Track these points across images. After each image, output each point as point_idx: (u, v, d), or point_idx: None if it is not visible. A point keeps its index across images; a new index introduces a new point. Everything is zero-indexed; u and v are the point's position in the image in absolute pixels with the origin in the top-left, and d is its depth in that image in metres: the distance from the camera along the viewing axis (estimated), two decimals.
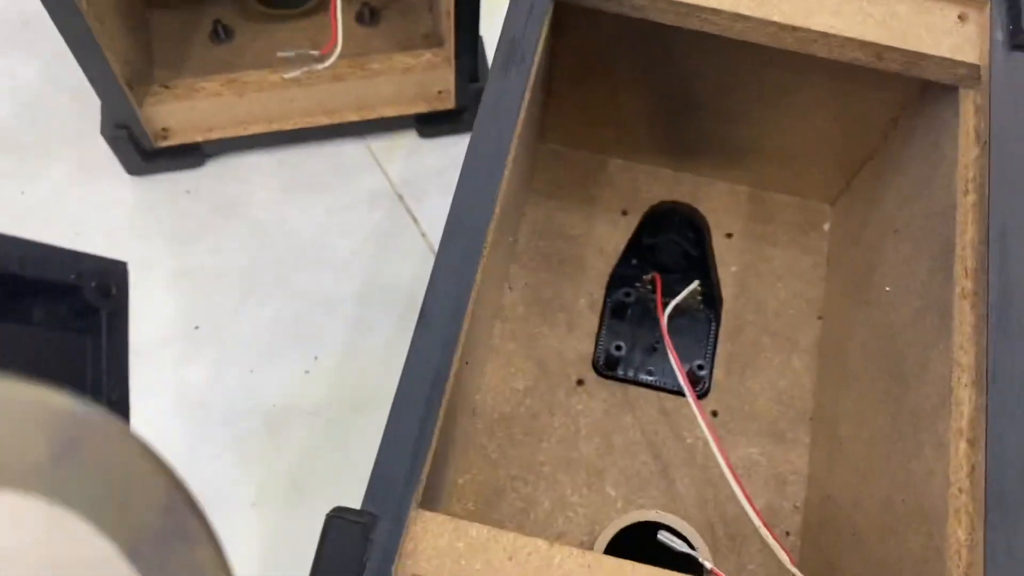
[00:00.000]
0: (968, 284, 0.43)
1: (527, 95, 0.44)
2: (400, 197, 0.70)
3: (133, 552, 0.18)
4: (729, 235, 0.65)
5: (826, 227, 0.65)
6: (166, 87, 0.65)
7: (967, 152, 0.46)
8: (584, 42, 0.56)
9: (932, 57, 0.47)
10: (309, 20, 0.71)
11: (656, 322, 0.58)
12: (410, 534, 0.34)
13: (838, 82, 0.54)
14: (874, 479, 0.48)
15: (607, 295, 0.62)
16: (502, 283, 0.61)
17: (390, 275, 0.67)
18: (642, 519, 0.52)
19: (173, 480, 0.19)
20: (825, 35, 0.47)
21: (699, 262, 0.64)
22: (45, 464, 0.18)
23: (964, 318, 0.42)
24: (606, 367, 0.59)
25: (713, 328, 0.61)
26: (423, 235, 0.69)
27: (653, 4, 0.48)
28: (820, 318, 0.62)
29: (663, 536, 0.46)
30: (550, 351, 0.60)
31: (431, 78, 0.67)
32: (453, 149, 0.72)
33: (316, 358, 0.63)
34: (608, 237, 0.64)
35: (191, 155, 0.69)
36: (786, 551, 0.46)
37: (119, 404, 0.32)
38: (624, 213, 0.65)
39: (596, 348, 0.60)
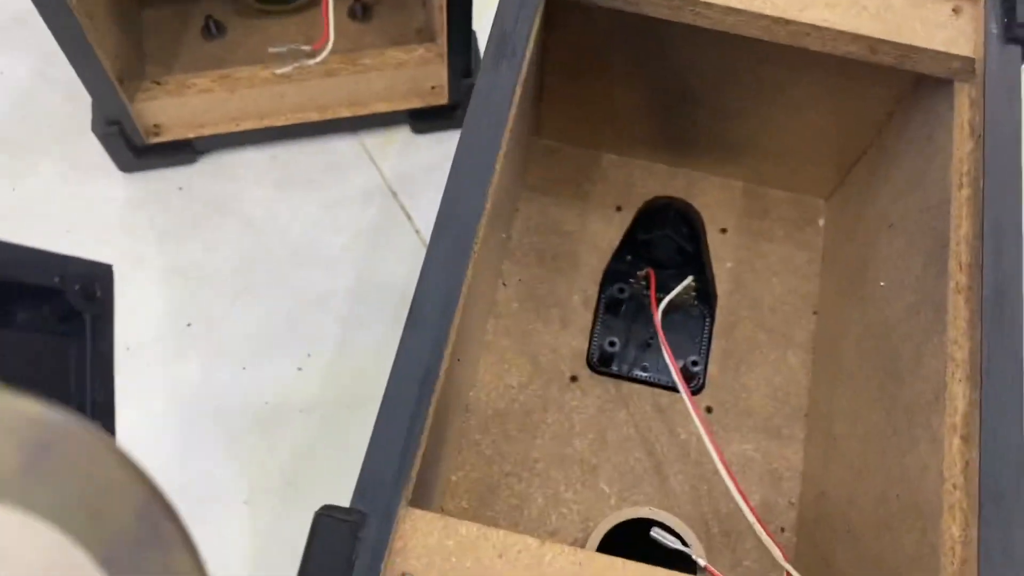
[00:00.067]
0: (962, 279, 0.42)
1: (518, 89, 0.44)
2: (394, 193, 0.70)
3: (106, 560, 0.18)
4: (724, 231, 0.64)
5: (821, 222, 0.65)
6: (157, 83, 0.64)
7: (961, 146, 0.45)
8: (578, 37, 0.56)
9: (926, 50, 0.46)
10: (302, 16, 0.71)
11: (650, 318, 0.57)
12: (399, 532, 0.34)
13: (833, 77, 0.54)
14: (869, 475, 0.47)
15: (601, 291, 0.62)
16: (495, 279, 0.61)
17: (384, 272, 0.67)
18: (635, 516, 0.51)
19: (149, 487, 0.19)
20: (818, 28, 0.47)
21: (694, 258, 0.63)
22: (15, 472, 0.17)
23: (958, 313, 0.42)
24: (600, 363, 0.59)
25: (708, 324, 0.61)
26: (417, 232, 0.69)
27: None
28: (815, 313, 0.62)
29: (656, 533, 0.46)
30: (544, 347, 0.60)
31: (424, 73, 0.67)
32: (447, 145, 0.71)
33: (309, 355, 0.63)
34: (602, 233, 0.64)
35: (183, 152, 0.68)
36: (780, 547, 0.46)
37: (104, 407, 0.31)
38: (618, 209, 0.65)
39: (590, 344, 0.60)
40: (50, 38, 0.55)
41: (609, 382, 0.59)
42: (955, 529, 0.37)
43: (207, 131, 0.67)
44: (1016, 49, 0.46)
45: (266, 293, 0.65)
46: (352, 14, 0.70)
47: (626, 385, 0.59)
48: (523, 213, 0.64)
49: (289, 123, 0.68)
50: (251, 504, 0.59)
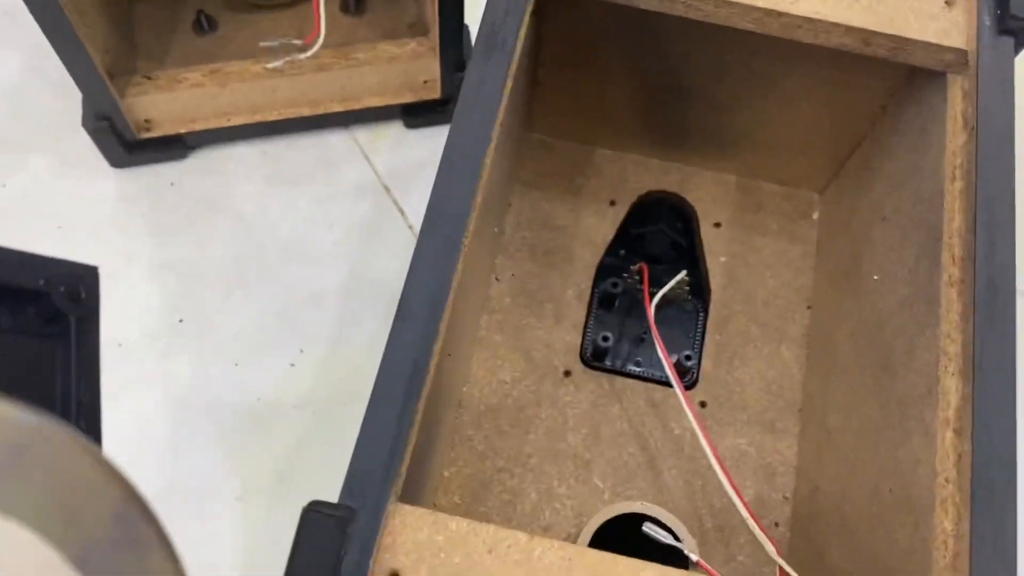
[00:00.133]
0: (955, 272, 0.42)
1: (509, 82, 0.44)
2: (386, 189, 0.69)
3: (82, 561, 0.18)
4: (717, 225, 0.64)
5: (815, 216, 0.65)
6: (148, 78, 0.64)
7: (955, 138, 0.45)
8: (570, 30, 0.55)
9: (919, 42, 0.46)
10: (294, 10, 0.70)
11: (644, 313, 0.57)
12: (388, 528, 0.34)
13: (826, 69, 0.53)
14: (862, 469, 0.47)
15: (595, 286, 0.62)
16: (488, 274, 0.61)
17: (376, 268, 0.66)
18: (628, 511, 0.51)
19: (126, 488, 0.19)
20: (810, 20, 0.47)
21: (687, 252, 0.63)
22: None
23: (951, 306, 0.42)
24: (593, 358, 0.59)
25: (701, 318, 0.61)
26: (410, 227, 0.68)
27: None
28: (809, 307, 0.61)
29: (648, 528, 0.46)
30: (537, 342, 0.60)
31: (417, 67, 0.66)
32: (440, 140, 0.70)
33: (302, 351, 0.63)
34: (596, 227, 0.64)
35: (174, 147, 0.68)
36: (773, 542, 0.46)
37: (89, 408, 0.31)
38: (612, 203, 0.65)
39: (583, 339, 0.60)
40: (41, 33, 0.55)
41: (603, 377, 0.59)
42: (947, 523, 0.37)
43: (198, 126, 0.67)
44: (1009, 41, 0.45)
45: (258, 289, 0.65)
46: (344, 8, 0.69)
47: (620, 380, 0.59)
48: (516, 208, 0.64)
49: (281, 118, 0.67)
50: (244, 501, 0.58)
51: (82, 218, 0.67)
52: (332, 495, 0.34)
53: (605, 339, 0.58)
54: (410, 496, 0.37)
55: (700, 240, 0.63)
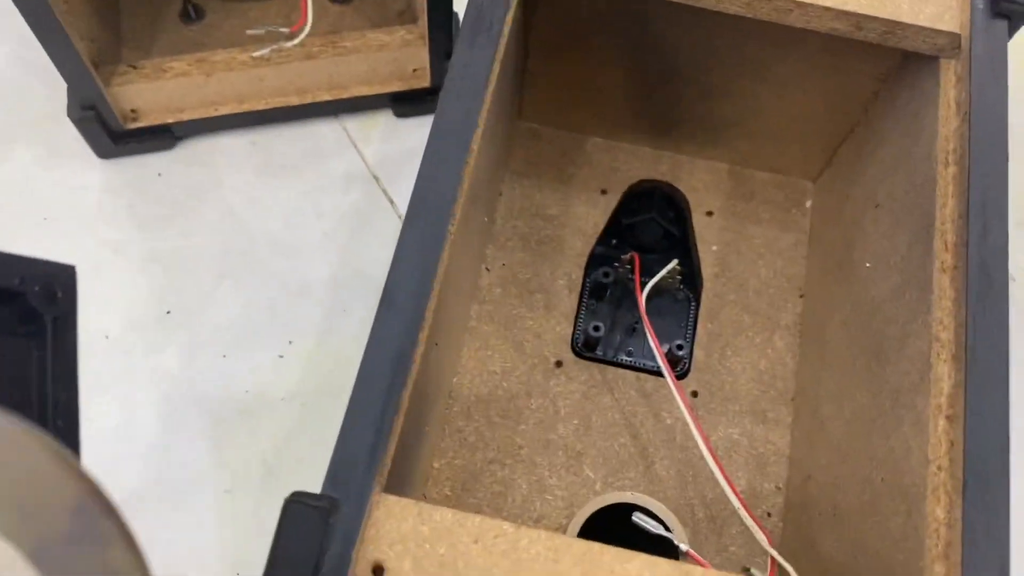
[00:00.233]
0: (948, 258, 0.42)
1: (496, 67, 0.43)
2: (376, 179, 0.69)
3: (38, 556, 0.17)
4: (709, 213, 0.64)
5: (808, 204, 0.64)
6: (133, 67, 0.63)
7: (947, 123, 0.45)
8: (559, 16, 0.55)
9: (911, 26, 0.46)
10: None
11: (635, 302, 0.57)
12: (372, 519, 0.33)
13: (818, 54, 0.53)
14: (854, 458, 0.47)
15: (586, 276, 0.61)
16: (479, 264, 0.60)
17: (366, 258, 0.66)
18: (617, 501, 0.51)
19: (84, 482, 0.18)
20: (802, 4, 0.46)
21: (679, 241, 0.63)
22: None
23: (944, 293, 0.41)
24: (585, 348, 0.58)
25: (693, 308, 0.60)
26: (400, 217, 0.68)
27: None
28: (801, 296, 0.61)
29: (637, 518, 0.45)
30: (528, 333, 0.59)
31: (406, 56, 0.66)
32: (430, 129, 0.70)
33: (290, 343, 0.62)
34: (587, 217, 0.63)
35: (161, 137, 0.67)
36: (765, 532, 0.45)
37: (67, 407, 0.31)
38: (603, 192, 0.64)
39: (575, 329, 0.59)
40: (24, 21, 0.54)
41: (594, 367, 0.58)
42: (939, 511, 0.37)
43: (185, 116, 0.66)
44: (1002, 24, 0.45)
45: (246, 280, 0.64)
46: None
47: (611, 370, 0.58)
48: (506, 197, 0.63)
49: (269, 107, 0.67)
50: (232, 493, 0.58)
51: (68, 209, 0.66)
52: (320, 487, 0.34)
53: (596, 329, 0.58)
54: (397, 487, 0.36)
55: (692, 229, 0.63)
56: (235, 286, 0.64)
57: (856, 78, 0.53)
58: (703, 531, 0.54)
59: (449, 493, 0.54)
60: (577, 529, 0.51)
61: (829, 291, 0.56)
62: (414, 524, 0.33)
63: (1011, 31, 0.45)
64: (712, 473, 0.46)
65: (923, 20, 0.46)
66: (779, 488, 0.55)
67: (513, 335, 0.59)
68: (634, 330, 0.59)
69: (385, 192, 0.68)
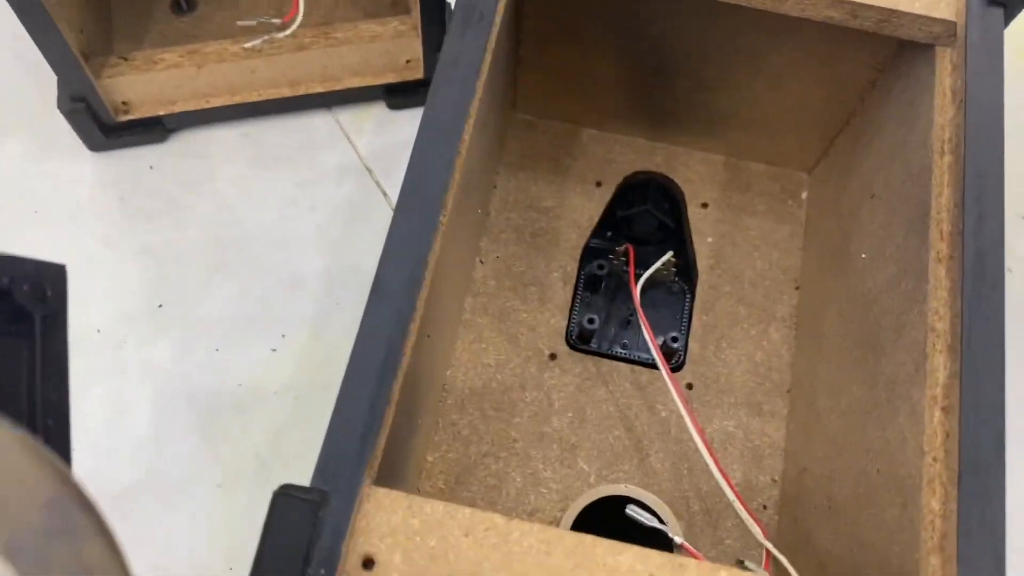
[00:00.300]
0: (943, 248, 0.41)
1: (488, 56, 0.43)
2: (369, 171, 0.68)
3: (10, 551, 0.17)
4: (705, 205, 0.63)
5: (804, 196, 0.64)
6: (124, 59, 0.63)
7: (943, 112, 0.44)
8: (553, 6, 0.54)
9: (907, 14, 0.45)
10: None
11: (630, 295, 0.56)
12: (362, 511, 0.33)
13: (813, 44, 0.52)
14: (850, 450, 0.46)
15: (580, 268, 0.61)
16: (473, 257, 0.60)
17: (359, 251, 0.65)
18: (611, 494, 0.51)
19: (58, 475, 0.18)
20: None
21: (674, 233, 0.62)
22: None
23: (939, 283, 0.41)
24: (579, 341, 0.58)
25: (688, 300, 0.60)
26: (393, 209, 0.67)
27: None
28: (797, 288, 0.61)
29: (631, 510, 0.45)
30: (522, 325, 0.59)
31: (399, 47, 0.65)
32: None
33: (283, 336, 0.62)
34: (582, 209, 0.63)
35: (153, 129, 0.67)
36: (760, 525, 0.45)
37: (56, 406, 0.30)
38: (598, 184, 0.64)
39: (569, 322, 0.59)
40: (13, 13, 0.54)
41: (588, 360, 0.58)
42: (935, 503, 0.37)
43: (177, 108, 0.65)
44: (998, 12, 0.44)
45: (239, 273, 0.64)
46: None
47: (606, 363, 0.58)
48: (501, 189, 0.63)
49: (261, 99, 0.66)
50: (225, 487, 0.58)
51: (59, 202, 0.65)
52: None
53: (591, 321, 0.57)
54: (389, 480, 0.36)
55: (687, 221, 0.63)
56: (228, 279, 0.64)
57: (852, 67, 0.53)
58: (698, 524, 0.54)
59: (443, 486, 0.54)
60: (570, 522, 0.50)
61: (825, 283, 0.56)
62: (404, 517, 0.33)
63: (1007, 19, 0.45)
64: (707, 466, 0.45)
65: (918, 8, 0.45)
66: (775, 481, 0.55)
67: (507, 328, 0.59)
68: (629, 322, 0.59)
69: (378, 184, 0.68)
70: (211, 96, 0.65)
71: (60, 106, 0.63)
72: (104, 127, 0.65)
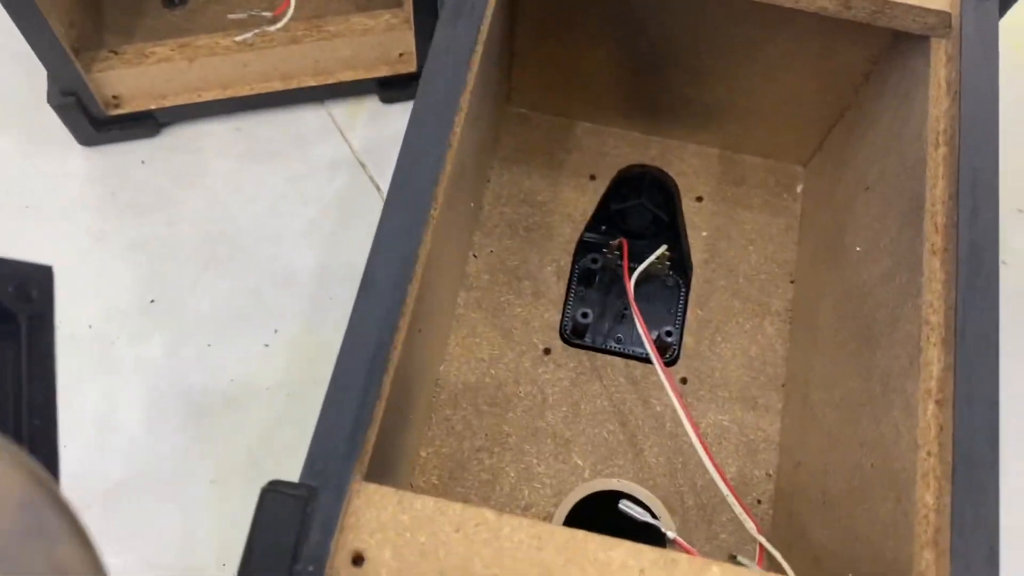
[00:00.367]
0: (938, 240, 0.41)
1: (479, 48, 0.42)
2: (362, 165, 0.68)
3: None
4: (699, 199, 0.63)
5: (799, 189, 0.64)
6: (115, 52, 0.62)
7: (938, 104, 0.44)
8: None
9: (901, 5, 0.45)
10: None
11: (624, 289, 0.56)
12: (351, 507, 0.33)
13: (808, 36, 0.52)
14: (844, 444, 0.46)
15: (574, 262, 0.60)
16: (466, 251, 0.60)
17: (352, 245, 0.65)
18: (603, 488, 0.50)
19: (32, 476, 0.18)
20: None
21: (669, 227, 0.62)
22: None
23: (934, 275, 0.40)
24: (573, 335, 0.58)
25: (683, 294, 0.60)
26: None
27: None
28: (792, 282, 0.60)
29: (624, 505, 0.45)
30: (516, 320, 0.58)
31: (391, 40, 0.65)
32: None
33: (276, 331, 0.62)
34: (575, 202, 0.62)
35: (145, 124, 0.66)
36: (753, 519, 0.45)
37: (43, 408, 0.30)
38: (592, 178, 0.63)
39: (563, 316, 0.59)
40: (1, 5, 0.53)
41: (583, 354, 0.58)
42: (929, 497, 0.36)
43: (168, 102, 0.65)
44: (993, 3, 0.44)
45: (231, 268, 0.63)
46: None
47: (600, 357, 0.58)
48: (494, 183, 0.63)
49: (253, 93, 0.66)
50: (218, 483, 0.57)
51: (50, 197, 0.65)
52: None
53: (585, 316, 0.57)
54: (381, 476, 0.35)
55: (681, 214, 0.62)
56: (220, 274, 0.63)
57: (847, 59, 0.53)
58: (693, 519, 0.53)
59: (436, 482, 0.54)
60: (563, 517, 0.50)
61: (820, 276, 0.56)
62: (394, 513, 0.33)
63: (1002, 10, 0.45)
64: (701, 460, 0.45)
65: None
66: (769, 475, 0.55)
67: (501, 322, 0.58)
68: (623, 317, 0.58)
69: (372, 178, 0.68)
70: (203, 90, 0.65)
71: (50, 100, 0.62)
72: (95, 121, 0.65)
